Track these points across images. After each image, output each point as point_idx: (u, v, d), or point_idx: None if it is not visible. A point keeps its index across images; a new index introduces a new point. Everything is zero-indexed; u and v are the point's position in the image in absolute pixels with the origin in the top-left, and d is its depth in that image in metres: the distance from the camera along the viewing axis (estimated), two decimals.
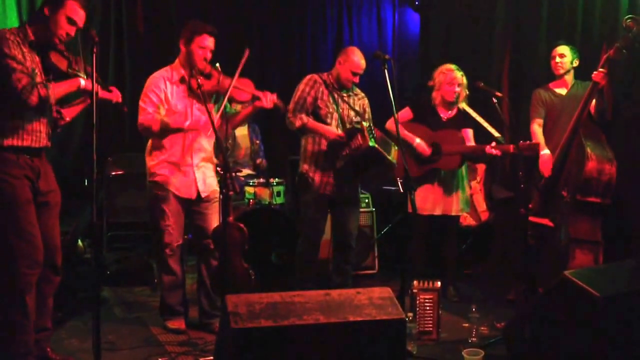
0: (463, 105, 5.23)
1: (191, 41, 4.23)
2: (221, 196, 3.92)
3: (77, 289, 5.03)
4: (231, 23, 7.11)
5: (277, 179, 6.08)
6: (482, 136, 5.21)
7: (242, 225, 4.09)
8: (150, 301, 5.20)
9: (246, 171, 6.43)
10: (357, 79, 4.88)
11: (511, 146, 4.71)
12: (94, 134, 3.40)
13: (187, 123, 4.26)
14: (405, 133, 5.16)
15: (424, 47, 7.47)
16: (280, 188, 6.03)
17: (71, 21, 3.56)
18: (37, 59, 3.53)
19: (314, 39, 7.64)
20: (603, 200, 4.66)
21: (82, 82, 3.60)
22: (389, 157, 4.70)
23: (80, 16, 3.59)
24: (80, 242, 5.58)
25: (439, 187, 5.20)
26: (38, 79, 3.46)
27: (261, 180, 6.06)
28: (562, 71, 5.02)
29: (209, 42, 4.25)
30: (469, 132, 5.23)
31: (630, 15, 4.64)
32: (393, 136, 5.04)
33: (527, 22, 6.15)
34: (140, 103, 4.26)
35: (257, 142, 6.54)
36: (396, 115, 4.17)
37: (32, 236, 3.51)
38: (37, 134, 3.56)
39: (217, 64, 4.29)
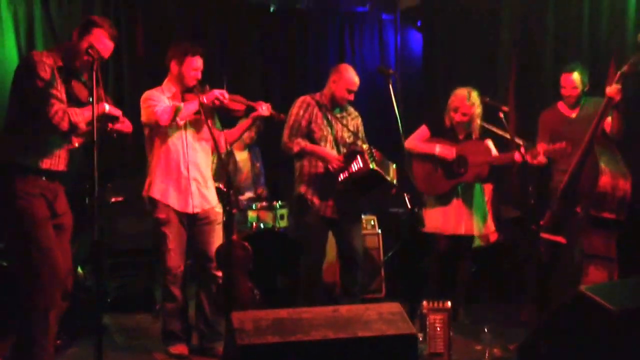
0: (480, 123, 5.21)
1: (182, 63, 4.30)
2: (224, 213, 3.92)
3: (78, 316, 4.98)
4: (232, 43, 7.18)
5: (280, 202, 6.07)
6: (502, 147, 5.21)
7: (246, 243, 4.08)
8: (151, 328, 5.16)
9: (248, 195, 6.42)
10: (352, 97, 4.87)
11: (540, 150, 4.73)
12: (94, 151, 3.40)
13: (204, 99, 4.23)
14: (422, 146, 5.15)
15: (427, 67, 7.53)
16: (284, 211, 6.01)
17: (95, 49, 3.59)
18: (62, 84, 3.58)
19: (316, 60, 7.70)
20: (617, 216, 4.62)
21: (107, 107, 3.64)
22: (388, 178, 4.68)
23: (105, 46, 3.64)
24: (80, 269, 5.54)
25: (460, 206, 5.17)
26: (63, 104, 3.52)
27: (264, 203, 6.06)
28: (573, 101, 4.97)
29: (200, 63, 4.34)
30: (490, 143, 5.17)
31: None
32: (411, 155, 5.06)
33: (533, 39, 6.23)
34: (148, 111, 4.28)
35: (258, 165, 6.56)
36: (401, 128, 4.17)
37: (53, 252, 3.54)
38: (57, 159, 3.63)
39: (207, 85, 4.36)
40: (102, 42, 3.62)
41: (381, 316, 2.97)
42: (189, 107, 4.27)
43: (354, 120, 5.02)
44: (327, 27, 7.84)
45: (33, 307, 3.50)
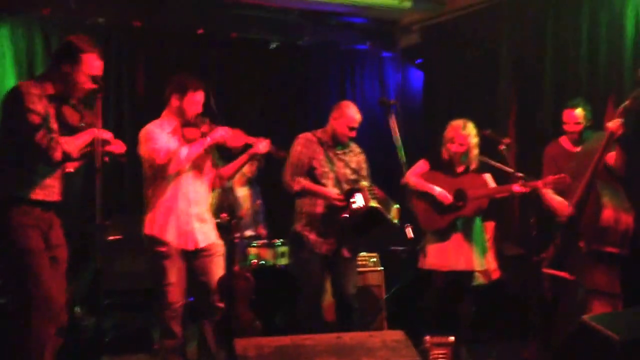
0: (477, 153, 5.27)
1: (184, 97, 4.37)
2: (226, 243, 3.97)
3: (75, 357, 4.97)
4: (232, 80, 7.29)
5: (280, 239, 6.12)
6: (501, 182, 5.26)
7: (248, 274, 4.14)
8: None
9: (248, 232, 6.48)
10: (353, 134, 4.94)
11: (539, 182, 4.79)
12: (97, 178, 3.46)
13: (208, 140, 4.29)
14: (423, 183, 5.18)
15: (427, 104, 7.67)
16: (284, 249, 6.06)
17: (91, 77, 3.65)
18: (53, 111, 3.60)
19: (317, 97, 7.79)
20: (620, 251, 4.66)
21: (97, 131, 3.64)
22: (390, 217, 4.73)
23: (98, 67, 3.70)
24: (77, 308, 5.55)
25: (459, 240, 5.18)
26: (54, 134, 3.54)
27: (264, 241, 6.12)
28: (577, 137, 5.10)
29: (201, 97, 4.41)
30: (489, 177, 5.24)
31: None
32: (410, 190, 5.12)
33: (532, 74, 6.37)
34: (148, 147, 4.33)
35: (258, 202, 6.64)
36: (403, 160, 4.24)
37: (48, 286, 3.54)
38: (51, 189, 3.66)
39: (207, 119, 4.41)
40: (94, 66, 3.67)
41: (385, 343, 3.01)
42: (193, 151, 4.31)
43: (356, 156, 5.08)
44: (328, 64, 7.98)
45: (29, 343, 3.49)
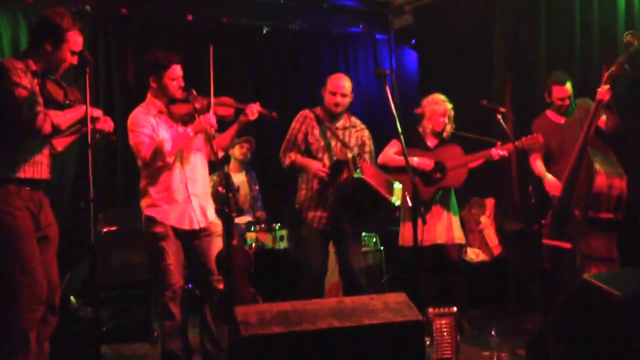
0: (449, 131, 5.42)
1: (162, 76, 4.39)
2: (223, 217, 4.02)
3: (73, 347, 5.02)
4: (224, 66, 7.27)
5: (279, 223, 6.19)
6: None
7: (247, 247, 4.20)
8: (150, 355, 5.19)
9: (246, 218, 6.55)
10: (338, 99, 4.88)
11: (516, 142, 4.93)
12: (89, 155, 3.49)
13: (191, 132, 4.36)
14: (398, 158, 5.26)
15: (423, 85, 7.72)
16: (283, 232, 6.14)
17: (74, 52, 3.71)
18: (37, 88, 3.62)
19: (311, 81, 7.81)
20: (615, 216, 4.79)
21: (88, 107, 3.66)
22: (391, 198, 4.62)
23: (80, 43, 3.75)
24: (72, 299, 5.59)
25: (438, 213, 5.31)
26: (40, 107, 3.56)
27: (263, 226, 6.19)
28: (566, 109, 5.21)
29: (178, 70, 4.43)
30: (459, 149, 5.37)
31: (629, 31, 4.89)
32: (388, 168, 5.19)
33: (527, 50, 6.45)
34: (134, 139, 4.37)
35: (256, 188, 6.71)
36: (400, 128, 4.30)
37: (35, 270, 3.55)
38: (39, 166, 3.68)
39: (193, 91, 4.42)
40: (77, 42, 3.71)
41: (387, 305, 3.07)
42: (177, 143, 4.35)
43: (358, 132, 5.08)
44: (321, 48, 8.01)
45: (13, 327, 3.52)
